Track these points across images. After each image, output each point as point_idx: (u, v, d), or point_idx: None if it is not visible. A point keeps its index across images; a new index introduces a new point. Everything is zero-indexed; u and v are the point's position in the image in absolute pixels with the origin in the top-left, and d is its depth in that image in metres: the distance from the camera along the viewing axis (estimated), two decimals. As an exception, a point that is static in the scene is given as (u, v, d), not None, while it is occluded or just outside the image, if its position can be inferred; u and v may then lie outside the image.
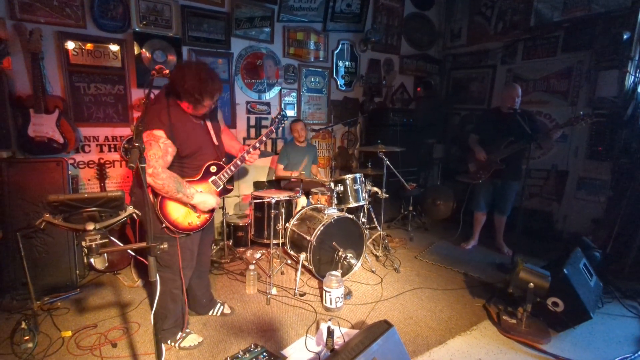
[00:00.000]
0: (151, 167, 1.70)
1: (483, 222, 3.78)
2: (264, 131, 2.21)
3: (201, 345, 2.11)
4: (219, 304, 2.47)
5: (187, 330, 2.15)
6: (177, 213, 1.89)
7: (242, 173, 4.09)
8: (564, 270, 2.26)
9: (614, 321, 2.49)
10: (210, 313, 2.43)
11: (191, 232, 1.97)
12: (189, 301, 2.41)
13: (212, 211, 2.05)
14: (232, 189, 2.10)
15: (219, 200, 2.04)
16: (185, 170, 1.92)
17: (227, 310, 2.46)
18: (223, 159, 2.06)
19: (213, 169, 2.00)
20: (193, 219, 1.95)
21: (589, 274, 2.55)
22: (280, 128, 2.30)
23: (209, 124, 2.04)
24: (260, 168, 4.23)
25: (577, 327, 2.29)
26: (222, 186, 2.05)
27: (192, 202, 1.88)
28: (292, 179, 3.43)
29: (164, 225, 1.86)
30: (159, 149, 1.73)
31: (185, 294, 2.07)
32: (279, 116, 2.32)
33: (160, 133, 1.73)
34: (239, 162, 2.07)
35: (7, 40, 2.70)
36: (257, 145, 2.13)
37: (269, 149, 4.26)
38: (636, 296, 2.76)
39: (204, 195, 1.93)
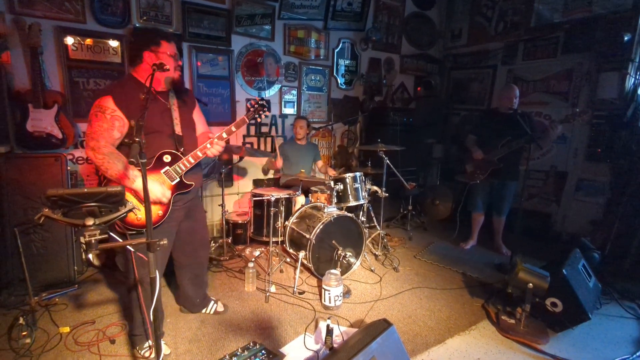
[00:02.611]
0: (93, 140, 1.59)
1: (481, 223, 3.78)
2: (240, 122, 1.92)
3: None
4: (212, 302, 2.43)
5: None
6: None
7: (241, 171, 4.09)
8: (563, 270, 2.26)
9: (612, 322, 2.49)
10: (203, 311, 2.41)
11: (143, 231, 1.73)
12: (181, 299, 2.40)
13: (165, 209, 1.81)
14: (191, 185, 1.87)
15: (168, 193, 1.78)
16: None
17: (220, 308, 2.43)
18: (182, 149, 1.85)
19: (167, 158, 1.80)
20: (140, 214, 1.72)
21: (588, 274, 2.55)
22: (260, 119, 1.97)
23: (175, 108, 1.87)
24: (260, 166, 4.22)
25: (575, 327, 2.29)
26: (177, 179, 1.83)
27: (132, 186, 1.67)
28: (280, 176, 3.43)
29: None
30: (106, 120, 1.62)
31: (145, 308, 1.85)
32: (256, 105, 1.95)
33: (108, 102, 1.63)
34: (199, 154, 1.85)
35: (6, 34, 2.67)
36: (224, 135, 1.90)
37: (268, 148, 4.25)
38: (634, 297, 2.76)
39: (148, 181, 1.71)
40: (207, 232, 2.33)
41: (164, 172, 1.80)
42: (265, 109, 1.97)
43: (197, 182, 1.98)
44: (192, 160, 1.84)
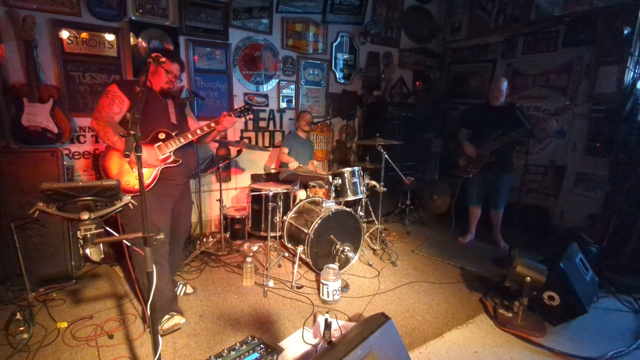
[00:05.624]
0: (96, 112, 1.96)
1: (478, 216, 3.79)
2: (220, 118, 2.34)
3: (187, 324, 2.17)
4: (180, 285, 2.58)
5: (172, 313, 2.15)
6: (116, 169, 1.99)
7: (239, 165, 4.07)
8: (561, 264, 2.27)
9: (609, 315, 2.51)
10: None
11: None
12: None
13: (154, 177, 2.08)
14: (178, 161, 2.15)
15: (157, 160, 2.07)
16: None
17: (189, 290, 2.60)
18: (175, 133, 2.15)
19: (161, 136, 2.10)
20: (131, 179, 2.01)
21: (585, 268, 2.56)
22: (244, 119, 2.32)
23: (170, 105, 2.22)
24: (258, 161, 4.20)
25: (572, 321, 2.31)
26: (167, 154, 2.11)
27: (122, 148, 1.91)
28: (290, 169, 3.44)
29: None
30: (107, 98, 1.99)
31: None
32: (244, 108, 2.38)
33: (112, 87, 2.02)
34: (189, 136, 2.15)
35: (0, 27, 2.64)
36: (213, 125, 2.23)
37: (266, 142, 4.23)
38: (631, 291, 2.78)
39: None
40: (190, 221, 2.59)
41: (156, 146, 2.09)
42: (250, 113, 2.44)
43: (187, 162, 2.24)
44: (183, 140, 2.14)
